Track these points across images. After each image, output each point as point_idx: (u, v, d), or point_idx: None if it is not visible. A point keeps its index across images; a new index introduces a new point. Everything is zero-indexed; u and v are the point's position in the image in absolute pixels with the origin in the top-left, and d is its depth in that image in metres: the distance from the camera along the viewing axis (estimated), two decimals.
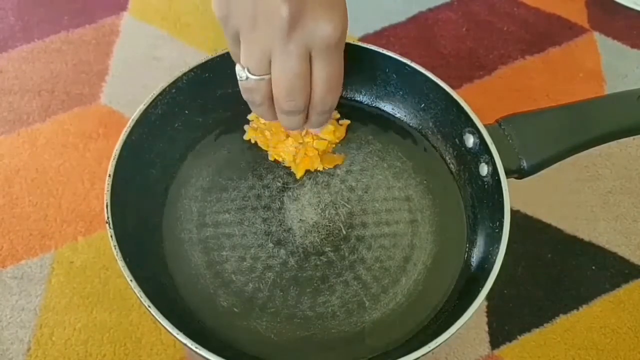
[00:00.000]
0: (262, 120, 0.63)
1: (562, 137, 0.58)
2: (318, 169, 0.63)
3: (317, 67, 0.50)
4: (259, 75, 0.50)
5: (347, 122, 0.65)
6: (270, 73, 0.50)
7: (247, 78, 0.51)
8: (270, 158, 0.63)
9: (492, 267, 0.52)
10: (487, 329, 0.62)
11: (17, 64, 0.78)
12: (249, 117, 0.64)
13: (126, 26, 0.82)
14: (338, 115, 0.65)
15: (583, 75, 0.81)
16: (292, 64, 0.48)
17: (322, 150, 0.63)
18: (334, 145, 0.64)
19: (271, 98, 0.53)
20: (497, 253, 0.53)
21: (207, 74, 0.62)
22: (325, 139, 0.63)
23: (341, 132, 0.64)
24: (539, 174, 0.59)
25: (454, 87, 0.62)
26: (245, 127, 0.64)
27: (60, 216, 0.67)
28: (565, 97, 0.62)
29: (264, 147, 0.63)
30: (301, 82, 0.50)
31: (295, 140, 0.62)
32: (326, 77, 0.51)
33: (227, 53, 0.61)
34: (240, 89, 0.54)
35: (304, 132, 0.62)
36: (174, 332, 0.47)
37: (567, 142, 0.58)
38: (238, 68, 0.52)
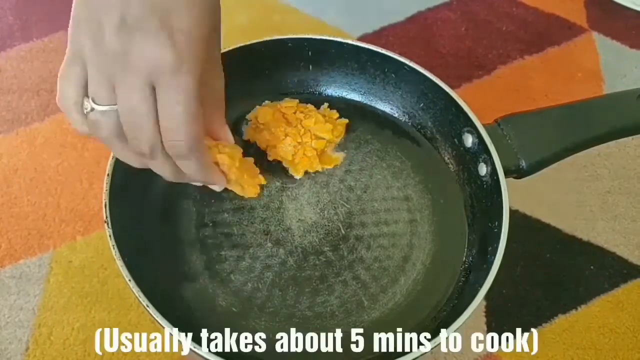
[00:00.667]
0: (261, 120, 0.63)
1: (561, 137, 0.58)
2: (317, 169, 0.63)
3: (159, 100, 0.43)
4: (104, 106, 0.44)
5: (346, 121, 0.65)
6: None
7: (91, 109, 0.44)
8: (269, 158, 0.63)
9: (491, 266, 0.52)
10: (485, 328, 0.62)
11: (16, 63, 0.77)
12: (248, 117, 0.64)
13: None
14: (337, 115, 0.65)
15: (582, 75, 0.81)
16: (128, 95, 0.43)
17: (321, 150, 0.63)
18: (332, 145, 0.64)
19: (122, 135, 0.46)
20: (496, 253, 0.53)
21: None
22: (324, 138, 0.63)
23: (339, 131, 0.64)
24: (537, 173, 0.59)
25: (453, 86, 0.62)
26: (244, 127, 0.64)
27: (58, 216, 0.67)
28: (564, 97, 0.62)
29: (262, 147, 0.63)
30: (140, 118, 0.43)
31: (294, 140, 0.62)
32: (168, 111, 0.43)
33: (226, 52, 0.62)
34: (89, 125, 0.46)
35: (302, 132, 0.62)
36: (172, 331, 0.47)
37: (565, 142, 0.58)
38: (84, 101, 0.45)
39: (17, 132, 0.72)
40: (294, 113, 0.64)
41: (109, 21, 0.41)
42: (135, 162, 0.48)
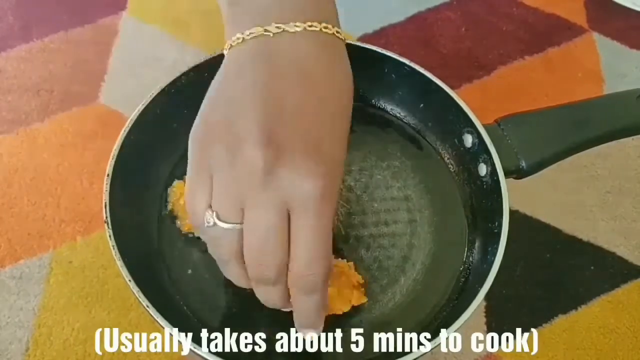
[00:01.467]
0: None
1: (561, 137, 0.58)
2: None
3: (295, 226, 0.41)
4: (229, 224, 0.42)
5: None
6: (241, 223, 0.42)
7: (214, 224, 0.42)
8: None
9: (491, 267, 0.52)
10: (485, 328, 0.62)
11: (16, 64, 0.77)
12: None
13: (125, 26, 0.82)
14: None
15: (582, 75, 0.81)
16: (263, 216, 0.40)
17: None
18: None
19: (241, 256, 0.43)
20: (496, 253, 0.53)
21: (206, 74, 0.61)
22: None
23: None
24: (537, 174, 0.59)
25: (453, 87, 0.62)
26: None
27: (58, 216, 0.67)
28: (564, 97, 0.62)
29: None
30: (272, 240, 0.41)
31: None
32: (305, 240, 0.41)
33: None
34: (204, 239, 0.45)
35: None
36: (172, 331, 0.47)
37: (566, 142, 0.58)
38: (207, 213, 0.42)
39: (17, 132, 0.72)
40: None
41: (252, 135, 0.39)
42: (243, 283, 0.46)
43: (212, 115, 0.43)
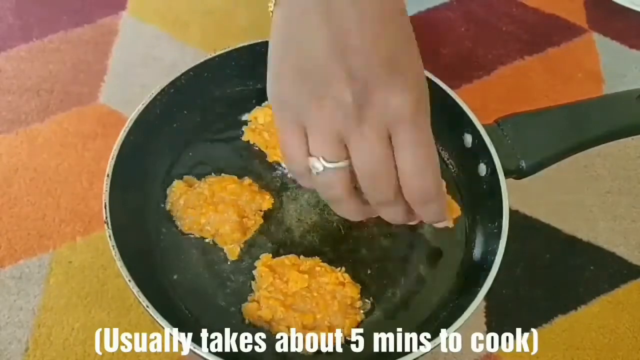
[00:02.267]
0: (261, 121, 0.63)
1: (561, 138, 0.58)
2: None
3: (397, 146, 0.42)
4: (336, 162, 0.43)
5: None
6: (347, 158, 0.43)
7: (324, 168, 0.43)
8: (269, 159, 0.63)
9: (491, 267, 0.52)
10: (485, 329, 0.62)
11: (16, 64, 0.77)
12: (248, 117, 0.64)
13: (125, 26, 0.82)
14: None
15: (582, 75, 0.81)
16: (369, 145, 0.42)
17: None
18: None
19: (354, 191, 0.45)
20: (496, 253, 0.53)
21: (205, 74, 0.62)
22: None
23: None
24: (537, 174, 0.59)
25: (452, 87, 0.62)
26: (244, 128, 0.64)
27: (58, 216, 0.67)
28: (564, 97, 0.62)
29: (262, 149, 0.63)
30: (382, 167, 0.42)
31: None
32: (409, 156, 0.42)
33: (226, 53, 0.62)
34: (318, 187, 0.46)
35: None
36: (172, 331, 0.47)
37: (565, 143, 0.58)
38: (311, 161, 0.44)
39: (17, 133, 0.72)
40: None
41: (335, 75, 0.40)
42: (359, 216, 0.48)
43: (284, 67, 0.43)
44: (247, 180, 0.61)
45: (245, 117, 0.64)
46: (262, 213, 0.60)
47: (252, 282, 0.56)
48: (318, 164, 0.43)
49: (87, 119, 0.73)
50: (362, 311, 0.56)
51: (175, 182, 0.60)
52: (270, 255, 0.57)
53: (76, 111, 0.74)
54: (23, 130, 0.72)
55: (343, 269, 0.57)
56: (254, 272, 0.57)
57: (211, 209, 0.58)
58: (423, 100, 0.43)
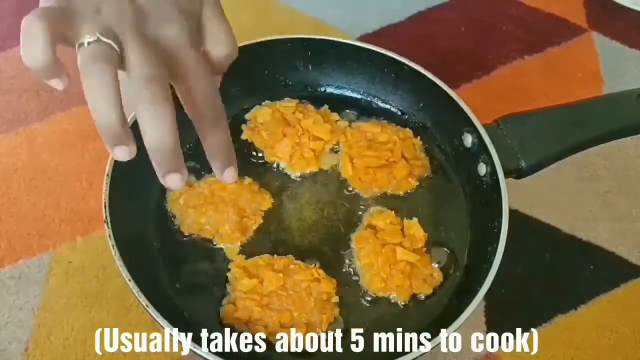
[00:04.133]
0: (260, 120, 0.63)
1: (561, 137, 0.58)
2: (314, 169, 0.63)
3: (181, 69, 0.45)
4: (110, 41, 0.43)
5: (346, 123, 0.65)
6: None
7: (97, 39, 0.43)
8: (267, 158, 0.63)
9: (491, 266, 0.52)
10: (485, 328, 0.62)
11: (15, 64, 0.77)
12: (247, 116, 0.64)
13: None
14: (337, 117, 0.65)
15: (581, 75, 0.81)
16: (145, 58, 0.43)
17: (319, 151, 0.62)
18: (330, 145, 0.64)
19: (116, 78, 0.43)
20: (496, 253, 0.53)
21: None
22: (322, 139, 0.63)
23: (338, 133, 0.64)
24: (537, 173, 0.59)
25: (452, 86, 0.62)
26: (243, 126, 0.64)
27: (58, 216, 0.67)
28: (563, 97, 0.62)
29: (261, 147, 0.63)
30: (158, 72, 0.43)
31: (292, 140, 0.62)
32: (200, 78, 0.45)
33: None
34: (83, 62, 0.44)
35: (300, 132, 0.62)
36: (172, 331, 0.47)
37: (565, 142, 0.58)
38: (82, 33, 0.43)
39: (17, 132, 0.72)
40: (293, 113, 0.64)
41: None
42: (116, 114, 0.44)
43: None
44: (247, 180, 0.61)
45: (244, 116, 0.64)
46: (262, 213, 0.60)
47: (227, 285, 0.56)
48: (90, 37, 0.42)
49: (86, 119, 0.72)
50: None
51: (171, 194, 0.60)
52: (244, 256, 0.57)
53: (76, 111, 0.74)
54: (23, 130, 0.72)
55: (317, 264, 0.57)
56: (228, 274, 0.57)
57: (211, 209, 0.58)
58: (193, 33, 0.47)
